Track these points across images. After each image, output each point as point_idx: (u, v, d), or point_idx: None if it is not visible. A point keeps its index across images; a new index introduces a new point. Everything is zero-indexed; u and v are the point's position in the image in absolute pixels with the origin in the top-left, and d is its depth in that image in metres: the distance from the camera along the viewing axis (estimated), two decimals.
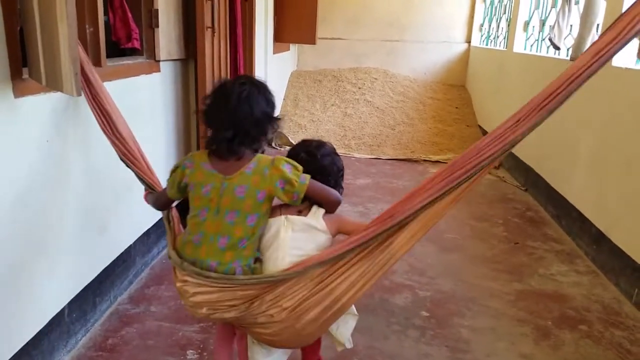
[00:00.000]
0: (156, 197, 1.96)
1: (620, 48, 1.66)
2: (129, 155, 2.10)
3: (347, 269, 1.64)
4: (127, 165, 2.10)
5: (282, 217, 1.69)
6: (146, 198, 2.04)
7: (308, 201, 1.72)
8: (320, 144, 1.83)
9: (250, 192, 1.61)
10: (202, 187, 1.63)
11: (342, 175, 1.86)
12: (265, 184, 1.61)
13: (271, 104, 1.69)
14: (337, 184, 1.81)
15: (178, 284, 1.69)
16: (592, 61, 1.69)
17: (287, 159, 1.66)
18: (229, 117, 1.61)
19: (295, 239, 1.68)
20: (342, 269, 1.64)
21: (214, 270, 1.62)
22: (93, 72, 2.10)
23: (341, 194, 1.80)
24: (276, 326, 1.64)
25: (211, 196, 1.62)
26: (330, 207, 1.75)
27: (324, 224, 1.71)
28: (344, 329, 1.88)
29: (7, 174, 1.84)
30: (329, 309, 1.64)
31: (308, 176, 1.65)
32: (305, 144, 1.84)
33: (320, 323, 1.67)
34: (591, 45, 1.74)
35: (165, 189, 1.82)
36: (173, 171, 1.75)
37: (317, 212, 1.72)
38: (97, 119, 2.10)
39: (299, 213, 1.72)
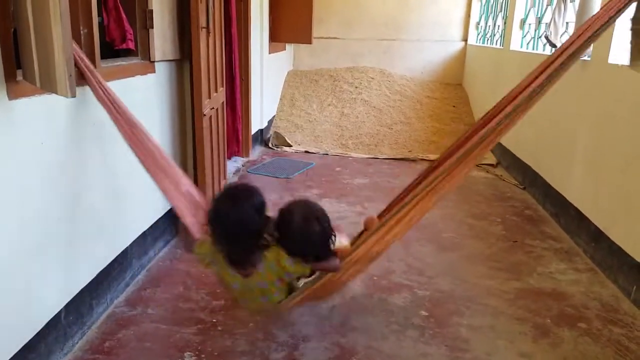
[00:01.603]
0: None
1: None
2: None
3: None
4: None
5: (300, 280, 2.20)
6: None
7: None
8: (306, 220, 2.01)
9: (269, 283, 2.05)
10: (232, 285, 2.08)
11: (331, 231, 2.08)
12: (277, 275, 2.03)
13: (260, 209, 1.96)
14: (331, 241, 2.08)
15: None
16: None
17: (288, 257, 1.98)
18: (230, 238, 1.93)
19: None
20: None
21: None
22: (93, 71, 2.21)
23: (335, 239, 2.10)
24: None
25: (242, 290, 2.09)
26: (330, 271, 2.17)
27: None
28: None
29: (2, 176, 1.82)
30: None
31: (308, 265, 2.05)
32: (293, 220, 2.02)
33: None
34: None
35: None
36: (199, 252, 2.13)
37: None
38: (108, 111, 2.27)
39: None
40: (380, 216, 2.47)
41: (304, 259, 2.02)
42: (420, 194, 2.21)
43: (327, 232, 2.04)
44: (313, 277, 2.20)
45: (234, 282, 2.04)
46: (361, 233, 2.39)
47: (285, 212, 2.04)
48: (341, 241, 2.27)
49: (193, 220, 2.24)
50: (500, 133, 2.21)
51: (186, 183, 2.40)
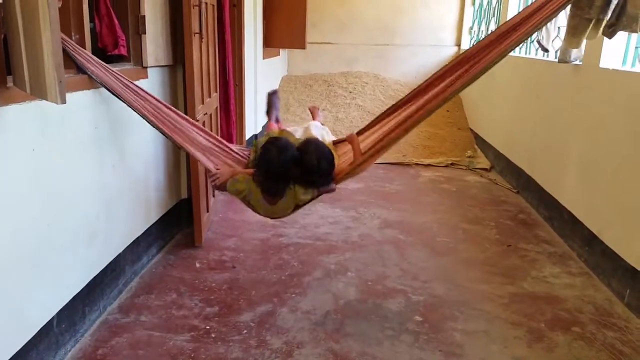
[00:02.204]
0: (219, 189, 2.84)
1: None
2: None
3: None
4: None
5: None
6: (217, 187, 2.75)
7: None
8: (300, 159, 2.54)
9: (287, 207, 2.62)
10: (262, 208, 2.61)
11: (326, 174, 2.63)
12: (294, 202, 2.60)
13: (296, 159, 2.49)
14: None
15: None
16: None
17: (302, 189, 2.55)
18: (272, 178, 2.49)
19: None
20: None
21: None
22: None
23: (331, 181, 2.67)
24: None
25: (268, 211, 2.64)
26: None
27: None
28: None
29: None
30: None
31: (316, 190, 2.60)
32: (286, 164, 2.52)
33: None
34: None
35: (227, 187, 2.59)
36: (234, 191, 2.57)
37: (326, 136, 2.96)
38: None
39: None
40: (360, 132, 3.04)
41: (314, 187, 2.58)
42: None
43: (332, 168, 2.61)
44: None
45: (264, 208, 2.59)
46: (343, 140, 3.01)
47: (305, 154, 2.53)
48: (323, 135, 3.07)
49: (219, 163, 2.74)
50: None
51: (203, 134, 2.81)
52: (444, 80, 2.70)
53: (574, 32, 2.84)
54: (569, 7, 2.70)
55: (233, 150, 2.88)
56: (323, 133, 3.11)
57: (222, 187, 2.64)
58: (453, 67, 2.71)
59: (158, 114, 2.62)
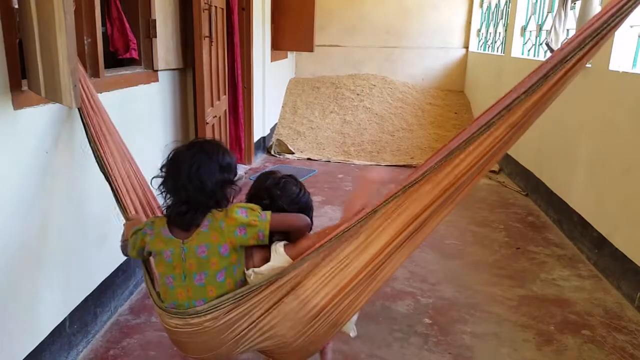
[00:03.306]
0: (123, 248, 1.84)
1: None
2: (111, 171, 2.03)
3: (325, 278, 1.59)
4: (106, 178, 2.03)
5: (250, 272, 1.65)
6: (121, 247, 1.87)
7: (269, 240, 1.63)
8: (282, 183, 1.79)
9: (212, 249, 1.57)
10: (163, 254, 1.60)
11: (309, 211, 1.81)
12: (225, 238, 1.57)
13: (226, 168, 1.63)
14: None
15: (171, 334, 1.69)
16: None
17: (241, 205, 1.62)
18: (181, 192, 1.58)
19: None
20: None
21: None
22: (89, 86, 2.12)
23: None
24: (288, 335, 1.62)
25: (174, 263, 1.59)
26: (300, 234, 1.71)
27: (288, 258, 1.63)
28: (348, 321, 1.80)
29: (6, 185, 1.83)
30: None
31: (269, 212, 1.61)
32: (265, 183, 1.79)
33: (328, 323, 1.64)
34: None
35: (128, 245, 1.73)
36: (134, 233, 1.68)
37: (277, 250, 1.65)
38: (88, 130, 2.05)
39: (263, 259, 1.67)
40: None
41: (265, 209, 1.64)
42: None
43: (302, 203, 1.79)
44: (272, 264, 1.64)
45: (168, 248, 1.58)
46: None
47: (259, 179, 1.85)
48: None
49: (137, 209, 2.01)
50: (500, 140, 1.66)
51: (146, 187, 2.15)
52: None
53: None
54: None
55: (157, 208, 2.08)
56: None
57: (125, 247, 1.77)
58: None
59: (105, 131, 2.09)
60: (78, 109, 2.04)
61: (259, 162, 5.95)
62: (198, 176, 1.56)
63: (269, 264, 1.64)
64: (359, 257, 1.60)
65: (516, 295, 2.95)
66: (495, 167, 5.77)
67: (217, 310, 1.56)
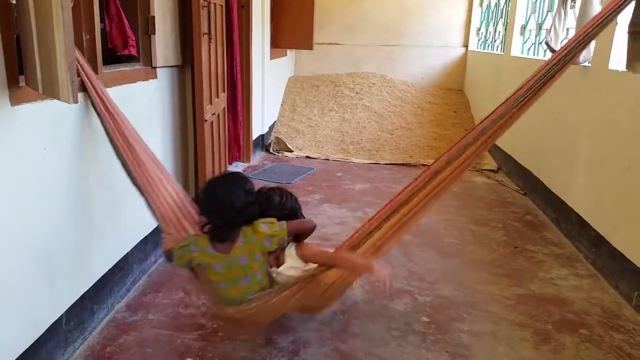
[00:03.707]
0: (167, 257, 2.24)
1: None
2: (136, 166, 2.33)
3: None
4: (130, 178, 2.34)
5: (273, 270, 2.23)
6: (164, 255, 2.40)
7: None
8: (265, 198, 2.25)
9: (250, 258, 2.11)
10: (213, 266, 2.10)
11: (297, 212, 2.33)
12: (257, 247, 2.11)
13: (250, 192, 2.14)
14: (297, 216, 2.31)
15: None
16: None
17: (263, 220, 2.11)
18: (216, 212, 2.06)
19: (284, 280, 2.21)
20: None
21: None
22: (94, 78, 2.24)
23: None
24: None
25: (223, 272, 2.11)
26: (307, 235, 2.28)
27: (298, 259, 2.21)
28: None
29: (4, 181, 1.83)
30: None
31: (284, 222, 2.13)
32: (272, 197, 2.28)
33: None
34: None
35: (172, 253, 2.14)
36: (180, 248, 2.11)
37: (291, 253, 2.22)
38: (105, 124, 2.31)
39: (277, 259, 2.24)
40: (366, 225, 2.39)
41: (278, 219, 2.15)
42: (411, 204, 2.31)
43: (287, 207, 2.28)
44: (289, 264, 2.21)
45: (216, 261, 2.08)
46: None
47: (265, 192, 2.29)
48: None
49: (171, 226, 2.28)
50: (495, 134, 2.29)
51: (177, 189, 2.42)
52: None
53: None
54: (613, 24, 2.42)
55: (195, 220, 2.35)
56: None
57: (169, 257, 2.17)
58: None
59: (134, 149, 2.34)
60: (98, 115, 2.29)
61: (258, 160, 5.95)
62: (229, 199, 2.05)
63: (286, 265, 2.20)
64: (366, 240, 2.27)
65: (514, 294, 2.95)
66: (494, 166, 5.77)
67: (262, 299, 2.12)
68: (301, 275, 2.16)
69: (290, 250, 2.21)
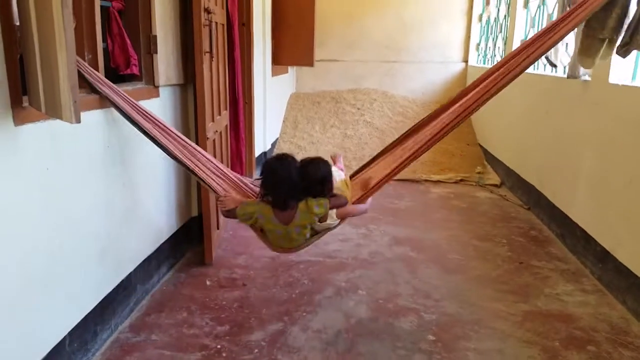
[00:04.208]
0: (227, 214, 2.69)
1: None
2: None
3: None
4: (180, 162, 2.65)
5: (316, 219, 2.67)
6: (224, 214, 2.74)
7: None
8: (314, 165, 2.66)
9: (302, 228, 2.63)
10: (276, 231, 2.62)
11: (327, 182, 2.68)
12: (308, 221, 2.61)
13: (298, 169, 2.57)
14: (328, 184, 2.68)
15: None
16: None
17: (315, 202, 2.57)
18: (279, 184, 2.53)
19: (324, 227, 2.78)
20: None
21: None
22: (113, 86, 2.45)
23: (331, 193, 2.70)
24: None
25: (283, 235, 2.64)
26: (342, 207, 2.76)
27: (336, 219, 2.78)
28: None
29: (7, 201, 1.82)
30: None
31: (327, 202, 2.62)
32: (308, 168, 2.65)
33: None
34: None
35: (233, 213, 2.62)
36: (245, 213, 2.57)
37: (332, 215, 2.73)
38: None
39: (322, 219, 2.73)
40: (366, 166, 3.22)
41: (323, 197, 2.60)
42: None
43: (329, 177, 2.69)
44: (329, 222, 2.74)
45: (278, 229, 2.58)
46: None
47: (305, 165, 2.63)
48: (341, 174, 3.03)
49: (225, 187, 2.74)
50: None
51: (213, 160, 2.86)
52: (454, 104, 2.92)
53: (588, 52, 2.85)
54: (581, 27, 2.78)
55: (243, 182, 2.88)
56: (341, 174, 3.10)
57: (231, 214, 2.64)
58: (461, 93, 2.96)
59: (168, 135, 2.65)
60: (129, 119, 2.48)
61: None
62: (286, 173, 2.53)
63: (327, 222, 2.73)
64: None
65: (520, 311, 2.92)
66: (497, 181, 5.75)
67: (306, 243, 2.77)
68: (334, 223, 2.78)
69: (332, 213, 2.72)
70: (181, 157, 2.62)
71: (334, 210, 2.74)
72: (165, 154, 2.61)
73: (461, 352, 2.52)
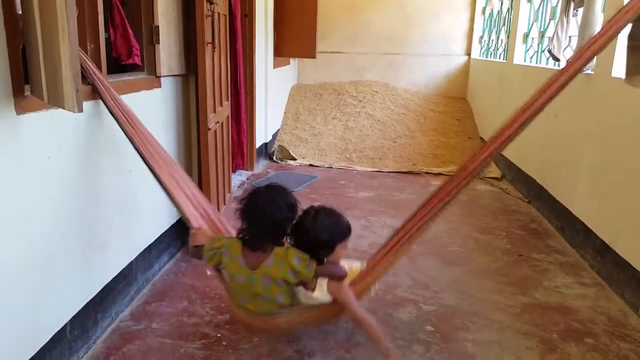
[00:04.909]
0: (192, 253, 2.36)
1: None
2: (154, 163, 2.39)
3: None
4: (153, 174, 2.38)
5: (301, 289, 2.18)
6: (190, 250, 2.33)
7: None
8: (318, 218, 2.14)
9: (272, 281, 2.06)
10: (236, 277, 2.10)
11: (344, 238, 2.21)
12: (281, 274, 2.05)
13: (291, 208, 2.09)
14: (331, 250, 2.15)
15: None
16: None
17: (296, 253, 2.06)
18: (257, 219, 2.05)
19: (308, 302, 2.20)
20: None
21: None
22: (107, 84, 2.33)
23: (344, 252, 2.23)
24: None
25: (245, 285, 2.09)
26: (336, 281, 2.14)
27: (327, 294, 2.15)
28: None
29: (9, 190, 1.83)
30: None
31: (314, 264, 2.06)
32: (303, 216, 2.15)
33: None
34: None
35: (200, 250, 2.19)
36: (211, 249, 2.13)
37: (322, 286, 2.16)
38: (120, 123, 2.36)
39: (306, 285, 2.17)
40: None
41: (311, 257, 2.08)
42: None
43: (337, 234, 2.18)
44: (317, 295, 2.18)
45: (240, 274, 2.07)
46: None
47: (306, 211, 2.18)
48: (352, 265, 2.44)
49: (200, 221, 2.38)
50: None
51: (193, 188, 2.53)
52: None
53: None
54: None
55: (221, 221, 2.50)
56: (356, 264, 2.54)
57: (197, 253, 2.22)
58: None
59: (150, 147, 2.42)
60: (115, 118, 2.34)
61: (261, 168, 5.95)
62: (271, 209, 2.03)
63: (315, 293, 2.17)
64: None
65: (519, 303, 2.93)
66: (498, 174, 5.76)
67: (280, 316, 2.16)
68: (326, 302, 2.18)
69: (323, 283, 2.16)
70: (160, 173, 2.36)
71: (325, 282, 2.15)
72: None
73: (460, 343, 2.54)
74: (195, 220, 2.34)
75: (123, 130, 2.37)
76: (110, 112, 2.35)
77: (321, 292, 2.16)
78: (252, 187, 2.25)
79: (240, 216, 2.09)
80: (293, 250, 2.07)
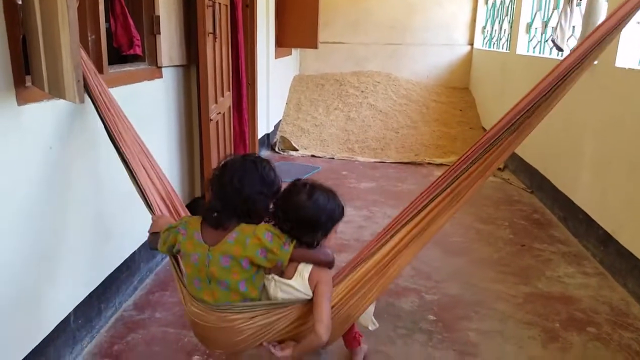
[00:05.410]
0: (150, 241, 1.98)
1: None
2: (132, 163, 2.13)
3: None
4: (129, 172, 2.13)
5: (271, 278, 1.78)
6: (148, 238, 2.03)
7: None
8: (309, 192, 1.75)
9: (234, 261, 1.67)
10: (191, 257, 1.71)
11: (334, 223, 1.80)
12: (246, 253, 1.65)
13: (267, 183, 1.73)
14: (326, 234, 1.79)
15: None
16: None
17: (269, 228, 1.69)
18: (221, 192, 1.70)
19: (282, 296, 1.77)
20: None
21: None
22: (99, 79, 2.17)
23: (330, 241, 1.83)
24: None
25: (199, 266, 1.70)
26: (322, 267, 1.79)
27: (308, 286, 1.74)
28: (365, 314, 2.08)
29: (11, 181, 1.83)
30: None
31: (292, 244, 1.70)
32: (293, 191, 1.77)
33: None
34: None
35: (158, 237, 1.85)
36: (167, 230, 1.81)
37: (303, 275, 1.75)
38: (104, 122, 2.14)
39: (282, 274, 1.77)
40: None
41: (290, 236, 1.71)
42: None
43: (328, 212, 1.76)
44: (294, 284, 1.75)
45: (195, 252, 1.69)
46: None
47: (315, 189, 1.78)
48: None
49: (164, 211, 2.13)
50: (511, 143, 2.10)
51: (163, 178, 2.26)
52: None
53: None
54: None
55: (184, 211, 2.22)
56: None
57: (155, 241, 1.88)
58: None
59: (124, 133, 2.17)
60: (95, 105, 2.13)
61: None
62: (239, 180, 1.67)
63: (292, 281, 1.75)
64: (369, 260, 1.89)
65: (521, 293, 2.93)
66: (500, 164, 5.74)
67: (242, 313, 1.70)
68: (303, 298, 1.75)
69: (304, 272, 1.75)
70: (129, 156, 2.10)
71: (308, 271, 1.74)
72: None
73: (462, 332, 2.54)
74: (159, 209, 2.09)
75: (95, 107, 2.13)
76: (95, 107, 2.15)
77: (301, 282, 1.74)
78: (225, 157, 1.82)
79: (209, 188, 1.76)
80: (265, 225, 1.70)
